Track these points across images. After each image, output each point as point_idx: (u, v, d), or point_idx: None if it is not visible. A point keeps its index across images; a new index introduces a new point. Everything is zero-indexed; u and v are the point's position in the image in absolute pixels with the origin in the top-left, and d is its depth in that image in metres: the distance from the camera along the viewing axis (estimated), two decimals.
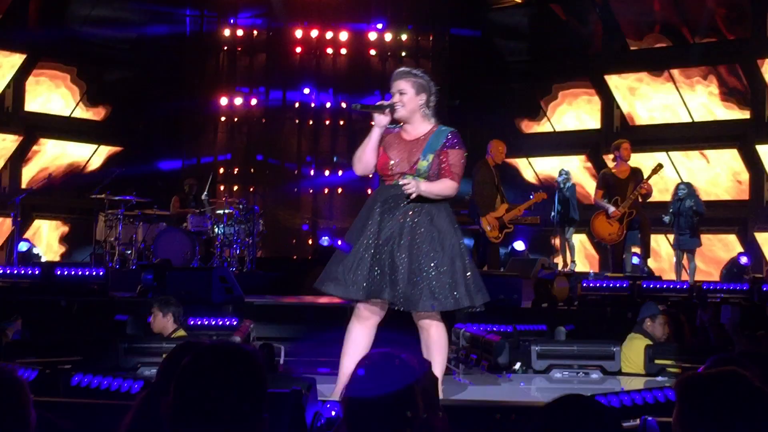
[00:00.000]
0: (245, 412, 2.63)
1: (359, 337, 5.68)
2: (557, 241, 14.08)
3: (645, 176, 12.54)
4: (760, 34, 15.86)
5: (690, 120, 16.74)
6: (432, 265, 5.53)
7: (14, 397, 2.91)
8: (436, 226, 5.60)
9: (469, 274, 5.64)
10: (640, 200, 12.52)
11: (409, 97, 5.69)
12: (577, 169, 17.08)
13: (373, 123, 5.76)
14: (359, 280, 5.55)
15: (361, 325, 5.73)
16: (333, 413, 4.69)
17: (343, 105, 18.18)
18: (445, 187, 5.61)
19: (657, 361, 7.73)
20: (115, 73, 18.03)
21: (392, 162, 5.69)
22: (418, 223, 5.59)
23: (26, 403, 2.95)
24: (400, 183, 5.57)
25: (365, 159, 5.72)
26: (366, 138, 5.75)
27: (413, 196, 5.51)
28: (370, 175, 5.96)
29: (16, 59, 16.59)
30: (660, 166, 12.78)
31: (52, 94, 17.28)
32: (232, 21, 18.42)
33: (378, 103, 5.75)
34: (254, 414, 2.65)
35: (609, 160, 13.10)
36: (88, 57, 17.52)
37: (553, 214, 13.88)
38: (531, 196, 13.01)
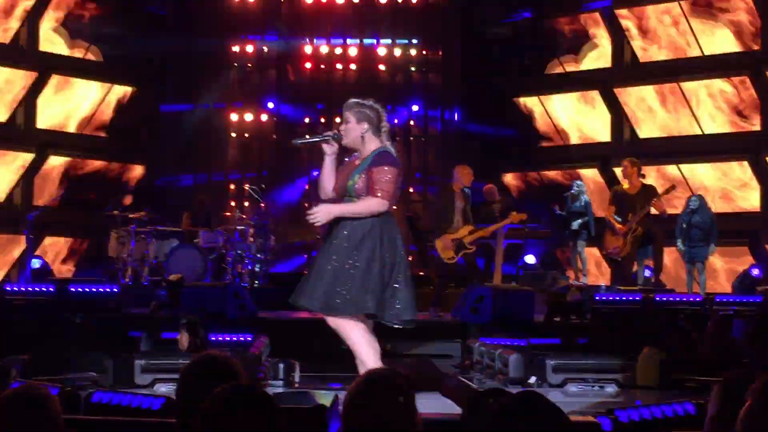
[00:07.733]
0: None
1: (367, 335, 5.90)
2: (569, 254, 14.10)
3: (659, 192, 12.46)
4: None
5: (700, 132, 16.67)
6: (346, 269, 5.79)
7: (48, 416, 2.96)
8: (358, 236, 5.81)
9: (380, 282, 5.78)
10: (659, 213, 12.48)
11: (350, 126, 6.00)
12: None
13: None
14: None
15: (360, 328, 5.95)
16: None
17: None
18: (366, 205, 5.84)
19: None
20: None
21: (339, 185, 6.05)
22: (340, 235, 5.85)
23: (60, 422, 3.00)
24: (308, 216, 5.88)
25: (322, 185, 6.15)
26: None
27: (318, 223, 5.86)
28: None
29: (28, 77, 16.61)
30: (673, 187, 12.76)
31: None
32: (243, 37, 18.51)
33: (322, 136, 6.15)
34: None
35: (620, 175, 13.07)
36: None
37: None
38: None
